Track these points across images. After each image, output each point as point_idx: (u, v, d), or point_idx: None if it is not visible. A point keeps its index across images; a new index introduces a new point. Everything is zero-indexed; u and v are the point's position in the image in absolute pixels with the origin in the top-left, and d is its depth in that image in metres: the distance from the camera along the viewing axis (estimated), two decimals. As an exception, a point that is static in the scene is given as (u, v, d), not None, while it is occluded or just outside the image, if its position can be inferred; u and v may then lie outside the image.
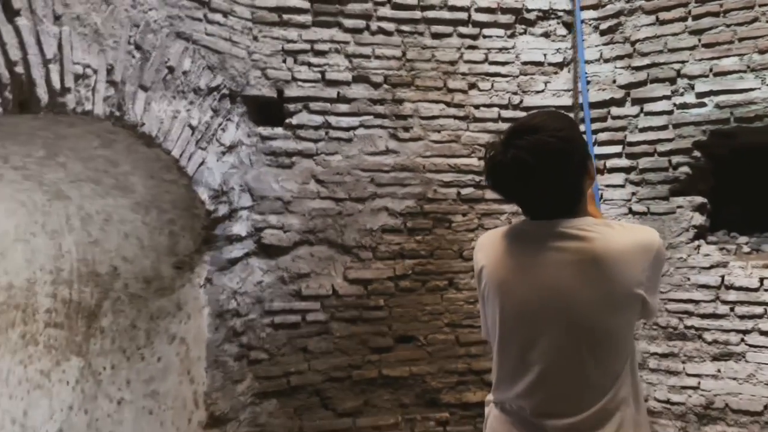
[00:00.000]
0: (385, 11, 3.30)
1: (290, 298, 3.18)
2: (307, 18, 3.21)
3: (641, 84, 3.32)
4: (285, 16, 3.18)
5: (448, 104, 3.37)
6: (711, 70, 3.14)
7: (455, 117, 3.37)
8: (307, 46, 3.21)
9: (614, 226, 1.53)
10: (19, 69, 2.13)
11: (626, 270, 1.45)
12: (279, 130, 3.19)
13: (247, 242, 3.15)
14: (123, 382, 3.30)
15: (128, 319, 3.31)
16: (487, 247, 1.60)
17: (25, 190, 3.35)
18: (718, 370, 3.12)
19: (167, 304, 3.17)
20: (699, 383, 3.16)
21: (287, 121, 3.20)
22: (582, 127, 3.45)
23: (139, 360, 3.25)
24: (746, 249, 3.20)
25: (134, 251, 3.28)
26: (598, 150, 3.42)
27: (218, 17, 2.96)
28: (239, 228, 3.12)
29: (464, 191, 3.37)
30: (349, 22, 3.26)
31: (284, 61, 3.18)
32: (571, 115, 3.47)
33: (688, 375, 3.19)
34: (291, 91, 3.19)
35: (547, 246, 1.49)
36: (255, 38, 3.14)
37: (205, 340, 3.00)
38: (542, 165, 1.44)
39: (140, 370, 3.24)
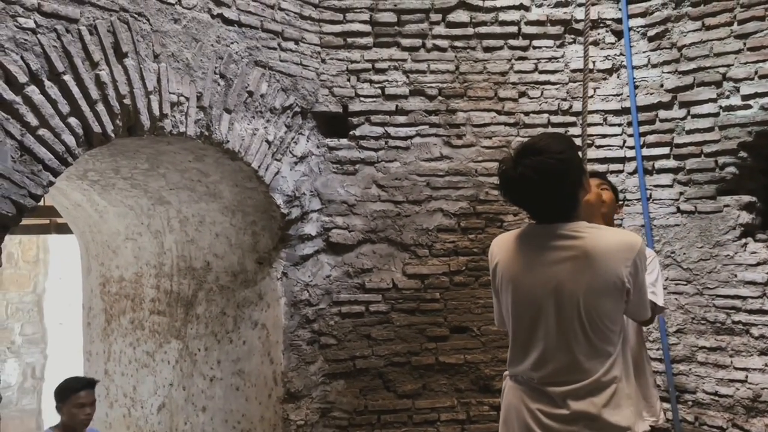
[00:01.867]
0: (440, 29, 3.60)
1: (355, 290, 3.55)
2: (368, 40, 3.56)
3: (688, 88, 3.43)
4: (349, 40, 3.55)
5: (499, 112, 3.62)
6: (756, 72, 3.21)
7: (506, 124, 3.62)
8: (369, 65, 3.56)
9: (603, 229, 1.82)
10: (127, 101, 2.61)
11: (611, 263, 1.74)
12: (344, 141, 3.57)
13: (317, 241, 3.54)
14: (214, 362, 3.78)
15: (219, 307, 3.78)
16: (500, 248, 1.92)
17: (133, 197, 3.88)
18: (765, 364, 3.20)
19: (251, 295, 3.62)
20: (746, 377, 3.25)
21: (351, 132, 3.57)
22: (630, 130, 3.61)
23: (227, 343, 3.72)
24: (797, 247, 3.25)
25: (224, 248, 3.74)
26: (646, 151, 3.56)
27: (290, 45, 3.37)
28: (310, 228, 3.52)
29: (515, 193, 3.61)
30: (406, 42, 3.59)
31: (348, 80, 3.55)
32: (622, 118, 3.64)
33: (736, 368, 3.28)
34: (354, 106, 3.56)
35: (548, 245, 1.80)
36: (323, 61, 3.53)
37: (282, 326, 3.41)
38: (543, 182, 1.77)
39: (229, 352, 3.71)
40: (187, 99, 2.86)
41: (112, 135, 2.56)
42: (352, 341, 3.53)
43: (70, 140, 2.41)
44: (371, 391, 3.53)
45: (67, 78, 2.39)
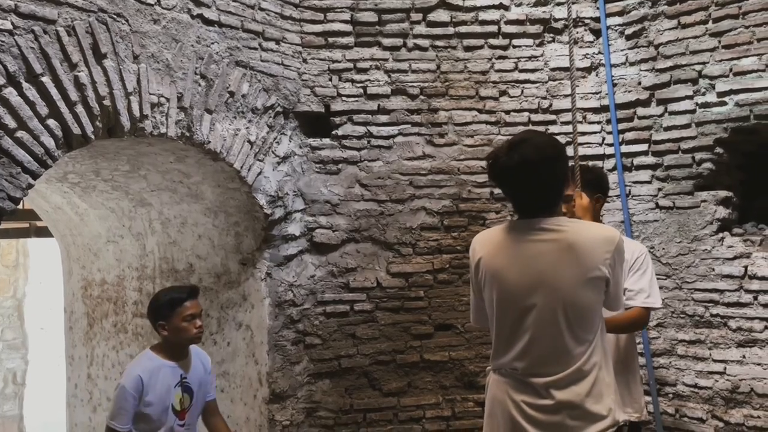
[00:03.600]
0: (421, 29, 3.62)
1: (339, 289, 3.55)
2: (349, 40, 3.57)
3: (665, 85, 3.48)
4: (330, 39, 3.55)
5: (480, 111, 3.65)
6: (731, 70, 3.27)
7: (487, 122, 3.64)
8: (350, 65, 3.57)
9: (584, 223, 1.87)
10: (107, 102, 2.60)
11: (591, 254, 1.80)
12: (326, 141, 3.57)
13: (300, 241, 3.54)
14: (199, 364, 3.75)
15: (202, 309, 3.75)
16: (483, 244, 1.95)
17: (114, 199, 3.85)
18: (743, 356, 3.26)
19: (234, 296, 3.61)
20: (725, 368, 3.31)
21: (333, 132, 3.57)
22: (609, 128, 3.66)
23: (212, 344, 3.70)
24: (772, 240, 3.31)
25: (206, 250, 3.72)
26: (625, 149, 3.61)
27: (271, 45, 3.37)
28: (293, 228, 3.51)
29: (497, 191, 3.64)
30: (387, 41, 3.60)
31: (330, 80, 3.56)
32: (601, 116, 3.68)
33: (715, 361, 3.34)
34: (336, 106, 3.56)
35: (531, 239, 1.84)
36: (304, 60, 3.53)
37: (266, 327, 3.40)
38: (542, 162, 1.82)
39: (213, 353, 3.66)
40: (168, 100, 2.85)
41: (92, 137, 2.54)
42: (337, 340, 3.53)
43: (49, 142, 2.40)
44: (357, 389, 3.54)
45: (46, 79, 2.38)
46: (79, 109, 2.49)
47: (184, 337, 2.65)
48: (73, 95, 2.47)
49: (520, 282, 1.83)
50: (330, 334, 3.53)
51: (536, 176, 1.82)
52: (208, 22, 3.03)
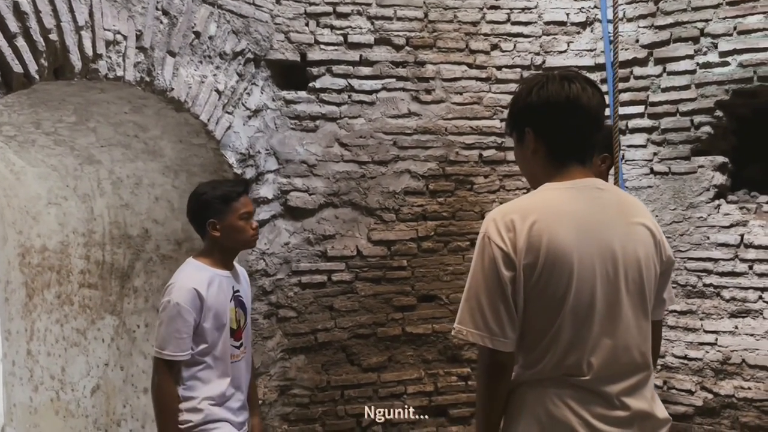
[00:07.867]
0: (407, -29, 3.31)
1: (316, 258, 3.28)
2: (329, -21, 3.23)
3: (664, 43, 3.31)
4: (307, -22, 3.20)
5: (470, 66, 3.40)
6: (735, 28, 3.12)
7: (477, 78, 3.41)
8: (329, 9, 3.24)
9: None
10: (54, 36, 2.19)
11: (652, 223, 1.54)
12: (302, 94, 3.25)
13: (273, 205, 3.24)
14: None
15: (160, 279, 3.42)
16: (533, 219, 1.43)
17: (56, 155, 3.45)
18: (736, 327, 3.18)
19: (197, 265, 3.28)
20: (716, 339, 3.23)
21: (310, 84, 3.26)
22: (604, 87, 3.45)
23: (172, 318, 3.37)
24: (766, 208, 3.22)
25: (165, 214, 3.38)
26: (620, 110, 3.41)
27: (242, -19, 2.99)
28: (266, 191, 3.20)
29: (486, 153, 3.43)
30: (371, -16, 3.28)
31: (307, 24, 3.22)
32: (596, 75, 3.47)
33: (706, 331, 3.26)
34: (314, 55, 3.24)
35: (599, 205, 1.47)
36: (278, 1, 3.17)
37: (235, 298, 3.13)
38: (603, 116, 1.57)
39: (173, 328, 3.37)
40: (125, 38, 2.46)
41: (36, 76, 2.14)
42: (314, 313, 3.29)
43: (-16, 81, 1.99)
44: (334, 365, 3.32)
45: (-22, 4, 1.96)
46: (20, 42, 2.08)
47: (240, 240, 2.19)
48: (13, 26, 2.05)
49: (591, 266, 1.42)
50: (305, 307, 3.28)
51: (601, 125, 1.53)
52: (172, -50, 2.63)
